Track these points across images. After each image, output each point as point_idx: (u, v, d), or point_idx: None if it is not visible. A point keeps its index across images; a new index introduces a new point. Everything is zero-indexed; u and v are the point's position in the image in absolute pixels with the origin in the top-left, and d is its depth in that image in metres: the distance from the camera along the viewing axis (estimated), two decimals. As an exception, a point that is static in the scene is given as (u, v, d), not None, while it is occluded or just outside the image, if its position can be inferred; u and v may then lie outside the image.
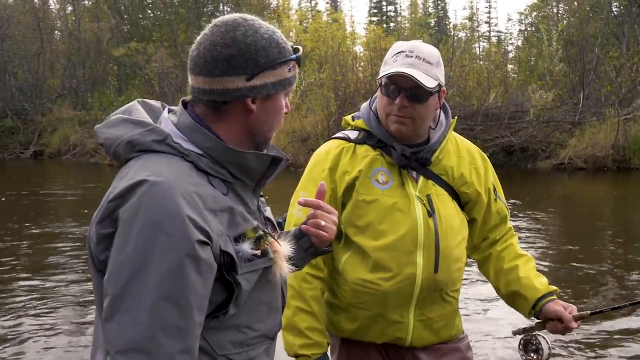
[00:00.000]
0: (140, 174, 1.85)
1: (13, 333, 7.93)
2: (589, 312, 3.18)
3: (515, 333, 3.35)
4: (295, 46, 2.12)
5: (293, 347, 3.09)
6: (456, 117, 3.38)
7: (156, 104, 2.19)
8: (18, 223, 15.86)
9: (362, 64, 32.90)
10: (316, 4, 79.33)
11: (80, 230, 13.98)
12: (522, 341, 3.26)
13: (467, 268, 3.34)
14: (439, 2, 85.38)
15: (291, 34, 45.02)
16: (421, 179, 3.15)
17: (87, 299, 9.06)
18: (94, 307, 2.06)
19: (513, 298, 3.30)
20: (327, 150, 3.25)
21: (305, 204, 2.32)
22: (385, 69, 3.04)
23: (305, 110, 32.35)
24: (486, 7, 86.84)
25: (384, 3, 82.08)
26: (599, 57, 32.04)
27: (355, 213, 3.13)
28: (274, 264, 2.05)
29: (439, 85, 3.06)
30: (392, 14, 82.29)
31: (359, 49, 38.90)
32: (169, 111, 2.12)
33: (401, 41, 3.20)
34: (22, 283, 10.36)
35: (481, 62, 37.55)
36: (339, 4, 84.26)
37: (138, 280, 1.76)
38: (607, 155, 25.66)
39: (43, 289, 9.96)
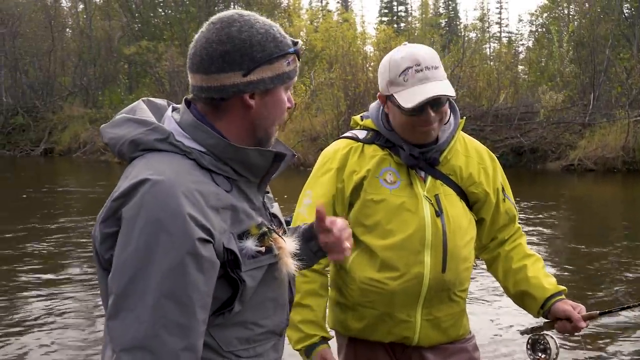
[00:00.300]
0: (143, 173, 1.86)
1: (25, 326, 7.99)
2: (597, 312, 3.16)
3: (523, 333, 3.34)
4: (294, 40, 2.11)
5: (291, 342, 3.11)
6: (464, 117, 3.36)
7: (162, 102, 2.20)
8: (41, 220, 15.95)
9: (372, 64, 32.85)
10: (327, 3, 79.36)
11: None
12: (530, 341, 3.25)
13: (474, 268, 3.34)
14: (450, 2, 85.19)
15: (302, 33, 45.00)
16: (429, 178, 3.14)
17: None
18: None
19: (522, 298, 3.29)
20: (335, 149, 3.25)
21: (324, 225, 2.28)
22: (400, 91, 2.99)
23: (315, 109, 32.38)
24: (497, 8, 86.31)
25: (395, 3, 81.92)
26: (610, 58, 31.94)
27: (363, 212, 3.13)
28: (280, 260, 2.05)
29: None
30: (403, 14, 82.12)
31: (369, 48, 38.87)
32: (173, 109, 2.13)
33: (396, 53, 3.09)
34: (46, 276, 10.47)
35: (491, 63, 37.50)
36: (349, 3, 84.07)
37: (140, 278, 1.77)
38: (617, 156, 25.60)
39: (64, 283, 10.04)
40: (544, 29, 44.77)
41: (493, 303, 8.66)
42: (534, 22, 50.80)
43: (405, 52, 3.04)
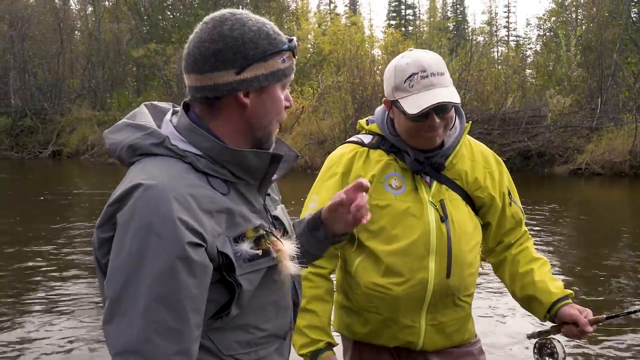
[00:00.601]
0: (137, 178, 1.86)
1: (32, 328, 8.00)
2: (604, 316, 3.15)
3: (530, 337, 3.32)
4: (289, 37, 2.10)
5: (295, 346, 3.10)
6: (470, 122, 3.34)
7: (165, 105, 2.20)
8: (49, 221, 16.00)
9: (380, 67, 32.85)
10: (335, 6, 79.57)
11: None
12: (537, 345, 3.25)
13: (480, 272, 3.34)
14: (458, 6, 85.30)
15: (310, 36, 45.06)
16: (435, 184, 3.14)
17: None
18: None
19: (528, 302, 3.28)
20: (341, 154, 3.25)
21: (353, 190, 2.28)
22: (405, 96, 2.98)
23: (322, 112, 32.39)
24: (505, 12, 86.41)
25: (403, 7, 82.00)
26: (617, 62, 31.93)
27: (368, 218, 3.12)
28: (279, 263, 2.04)
29: None
30: (411, 17, 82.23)
31: (377, 52, 38.88)
32: (174, 113, 2.13)
33: (402, 59, 3.08)
34: (53, 275, 10.46)
35: (499, 67, 37.49)
36: (357, 7, 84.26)
37: (133, 283, 1.77)
38: (624, 160, 25.58)
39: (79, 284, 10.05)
40: (552, 33, 44.69)
41: (499, 306, 8.64)
42: (542, 26, 50.70)
43: (411, 58, 3.03)
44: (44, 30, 49.14)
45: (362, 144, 3.24)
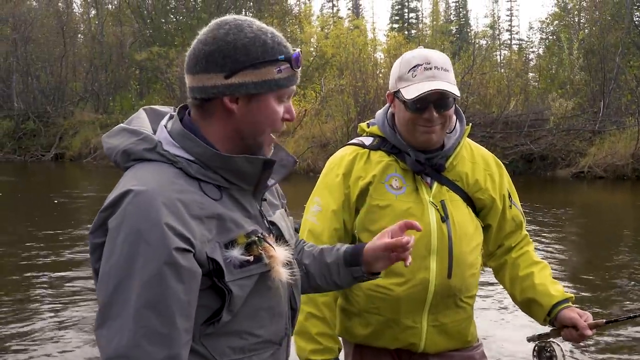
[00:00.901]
0: (128, 184, 1.88)
1: (33, 332, 8.02)
2: (604, 320, 3.15)
3: (529, 340, 3.32)
4: (294, 48, 2.09)
5: (304, 352, 3.10)
6: (470, 124, 3.35)
7: (165, 109, 2.20)
8: (63, 224, 16.05)
9: (382, 70, 32.87)
10: (338, 10, 79.50)
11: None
12: (536, 348, 3.24)
13: (481, 275, 3.34)
14: (461, 9, 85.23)
15: (312, 39, 45.05)
16: (435, 184, 3.15)
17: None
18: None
19: (528, 305, 3.28)
20: (342, 156, 3.26)
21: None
22: (407, 85, 3.02)
23: (325, 116, 32.39)
24: (507, 15, 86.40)
25: (406, 10, 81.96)
26: (620, 66, 31.89)
27: (368, 218, 3.13)
28: (271, 269, 2.03)
29: None
30: (414, 20, 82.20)
31: (379, 55, 38.89)
32: (170, 117, 2.13)
33: (409, 53, 3.15)
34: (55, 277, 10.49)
35: (502, 70, 37.50)
36: (360, 10, 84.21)
37: (123, 288, 1.79)
38: (626, 164, 25.56)
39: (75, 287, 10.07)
40: (555, 37, 44.66)
41: (499, 310, 8.66)
42: (545, 30, 50.73)
43: (417, 52, 3.10)
44: (47, 33, 49.08)
45: (362, 145, 3.25)
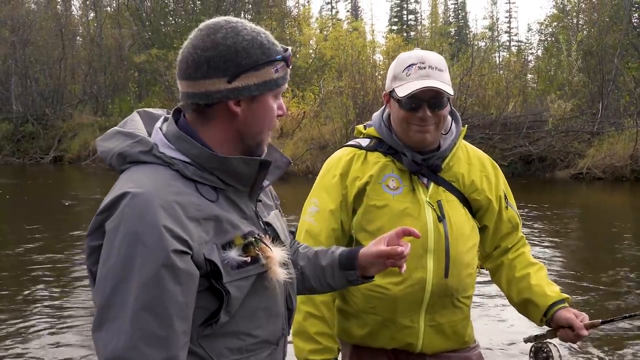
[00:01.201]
0: (125, 187, 1.88)
1: (31, 334, 8.04)
2: (600, 320, 3.15)
3: (526, 341, 3.32)
4: (284, 47, 2.10)
5: (303, 352, 3.10)
6: (467, 126, 3.36)
7: (159, 112, 2.21)
8: (62, 226, 16.16)
9: (381, 72, 32.80)
10: (337, 12, 79.54)
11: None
12: (532, 349, 3.25)
13: (477, 276, 3.36)
14: (460, 11, 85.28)
15: (311, 42, 45.05)
16: (432, 185, 3.16)
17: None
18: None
19: (525, 306, 3.29)
20: (339, 157, 3.28)
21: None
22: (401, 84, 3.05)
23: (324, 118, 32.36)
24: (506, 17, 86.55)
25: (405, 12, 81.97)
26: (618, 67, 31.93)
27: (366, 218, 3.14)
28: (268, 269, 2.04)
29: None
30: (413, 22, 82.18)
31: (378, 57, 38.86)
32: (165, 120, 2.14)
33: (405, 53, 3.19)
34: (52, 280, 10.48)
35: (500, 72, 37.47)
36: (359, 12, 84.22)
37: (120, 291, 1.79)
38: (625, 165, 25.54)
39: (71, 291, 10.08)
40: (553, 38, 44.67)
41: (497, 312, 8.66)
42: (543, 32, 50.72)
43: (413, 52, 3.14)
44: (46, 36, 49.03)
45: (359, 147, 3.27)
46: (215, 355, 1.98)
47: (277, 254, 2.07)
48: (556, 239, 14.28)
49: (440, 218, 3.11)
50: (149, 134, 2.07)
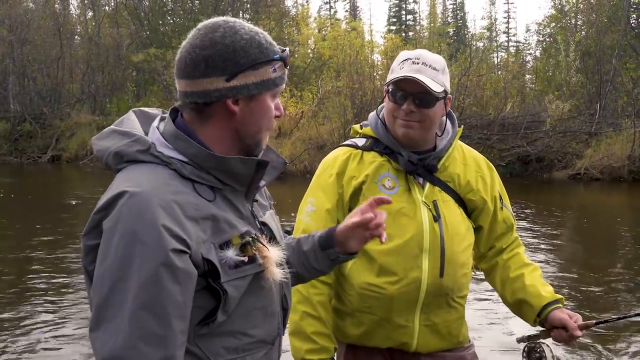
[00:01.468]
0: (122, 186, 1.87)
1: (31, 331, 8.04)
2: (594, 321, 3.17)
3: (519, 341, 3.33)
4: (282, 47, 2.10)
5: (300, 351, 3.10)
6: (462, 126, 3.38)
7: (154, 111, 2.21)
8: (60, 226, 16.03)
9: (379, 72, 32.87)
10: (335, 12, 79.60)
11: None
12: (526, 349, 3.26)
13: (471, 276, 3.36)
14: (458, 11, 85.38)
15: (310, 41, 45.06)
16: (427, 185, 3.17)
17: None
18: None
19: (519, 306, 3.30)
20: (335, 156, 3.29)
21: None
22: (394, 76, 3.08)
23: (322, 117, 32.38)
24: (505, 18, 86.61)
25: (403, 12, 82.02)
26: (616, 68, 32.01)
27: (361, 217, 3.15)
28: (265, 269, 2.04)
29: (445, 92, 3.09)
30: (411, 22, 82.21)
31: (377, 57, 38.89)
32: (161, 119, 2.13)
33: (407, 50, 3.23)
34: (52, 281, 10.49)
35: (499, 72, 37.52)
36: (358, 12, 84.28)
37: (118, 290, 1.78)
38: (623, 166, 25.63)
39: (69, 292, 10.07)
40: (552, 39, 44.74)
41: (489, 311, 8.67)
42: (542, 32, 50.77)
43: (415, 51, 3.16)
44: (44, 35, 48.98)
45: (355, 146, 3.28)
46: (212, 355, 1.98)
47: (273, 254, 2.07)
48: (553, 240, 14.31)
49: (436, 218, 3.12)
50: (145, 134, 2.07)
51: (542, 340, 3.22)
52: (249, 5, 48.03)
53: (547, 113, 30.18)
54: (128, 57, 45.90)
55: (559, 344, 3.32)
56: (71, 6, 56.00)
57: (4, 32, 47.19)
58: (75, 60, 50.01)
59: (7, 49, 46.74)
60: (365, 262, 3.13)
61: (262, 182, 2.18)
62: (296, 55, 41.41)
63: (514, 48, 76.60)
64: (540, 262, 11.30)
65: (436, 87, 3.02)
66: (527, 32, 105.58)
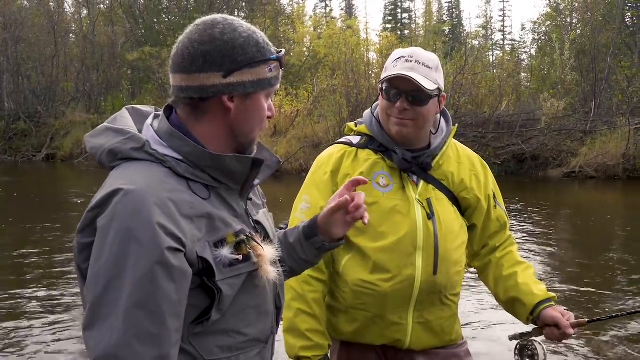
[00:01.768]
0: (117, 183, 1.86)
1: (26, 331, 8.04)
2: (586, 320, 3.18)
3: (511, 338, 3.35)
4: (278, 49, 2.11)
5: (294, 348, 3.11)
6: (457, 125, 3.39)
7: (148, 109, 2.20)
8: (56, 224, 16.01)
9: (375, 70, 32.88)
10: (331, 10, 79.52)
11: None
12: (518, 346, 3.27)
13: (465, 274, 3.36)
14: (454, 10, 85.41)
15: (305, 40, 45.03)
16: (422, 183, 3.18)
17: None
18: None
19: (512, 304, 3.31)
20: (330, 154, 3.30)
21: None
22: (386, 74, 3.08)
23: (317, 116, 32.39)
24: (500, 16, 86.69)
25: (399, 10, 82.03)
26: (611, 66, 32.06)
27: (355, 215, 3.15)
28: (259, 268, 2.04)
29: (439, 90, 3.10)
30: (407, 21, 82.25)
31: (372, 55, 38.91)
32: (155, 117, 2.13)
33: (401, 48, 3.24)
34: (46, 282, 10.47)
35: (494, 70, 37.56)
36: (353, 10, 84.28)
37: (113, 288, 1.77)
38: (617, 164, 25.68)
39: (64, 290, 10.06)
40: (547, 37, 44.77)
41: (482, 309, 8.70)
42: (537, 30, 50.76)
43: (409, 49, 3.17)
44: (38, 33, 48.75)
45: (350, 144, 3.29)
46: (206, 353, 1.98)
47: (268, 253, 2.08)
48: (548, 238, 14.31)
49: (430, 216, 3.13)
50: (139, 131, 2.06)
51: (534, 338, 3.24)
52: (244, 4, 47.94)
53: (542, 111, 30.17)
54: (123, 55, 45.77)
55: (552, 341, 3.33)
56: (66, 4, 55.76)
57: (-2, 30, 47.09)
58: (70, 59, 49.82)
59: (1, 47, 46.51)
60: (359, 259, 3.14)
61: (257, 181, 2.18)
62: (292, 54, 41.35)
63: (510, 46, 76.62)
64: (534, 260, 11.36)
65: (429, 85, 3.03)
66: (522, 30, 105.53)
